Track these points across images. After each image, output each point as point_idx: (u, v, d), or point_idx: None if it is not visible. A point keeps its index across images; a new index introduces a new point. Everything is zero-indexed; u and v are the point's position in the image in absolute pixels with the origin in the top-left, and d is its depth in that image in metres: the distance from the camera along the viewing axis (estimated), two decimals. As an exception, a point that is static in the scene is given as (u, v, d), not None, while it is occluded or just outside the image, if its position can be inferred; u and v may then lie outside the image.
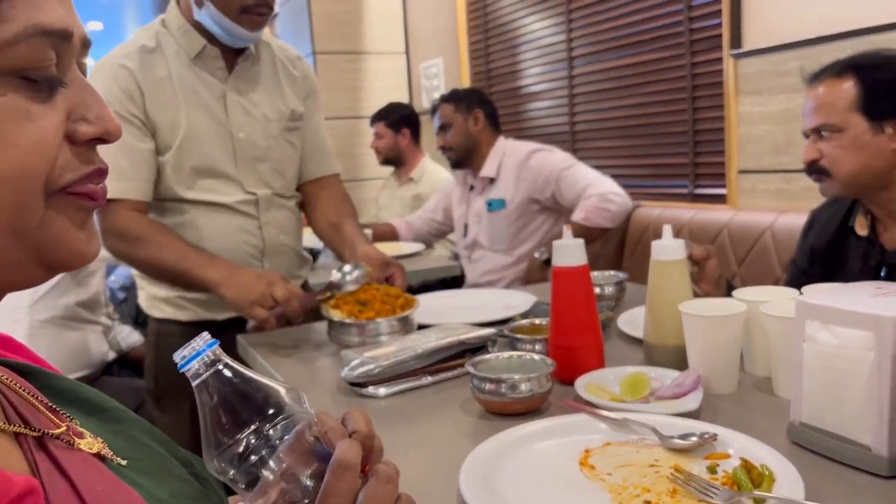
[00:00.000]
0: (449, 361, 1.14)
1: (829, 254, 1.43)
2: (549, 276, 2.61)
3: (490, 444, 0.82)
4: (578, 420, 0.87)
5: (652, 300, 1.07)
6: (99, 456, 0.49)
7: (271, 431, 0.51)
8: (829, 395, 0.76)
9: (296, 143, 1.60)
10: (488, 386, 0.95)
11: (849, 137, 1.30)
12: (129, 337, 2.24)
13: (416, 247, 2.84)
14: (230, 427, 0.51)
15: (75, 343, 2.00)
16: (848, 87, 1.30)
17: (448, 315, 1.47)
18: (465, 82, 4.00)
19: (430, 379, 1.11)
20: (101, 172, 0.48)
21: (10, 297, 0.49)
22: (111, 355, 2.12)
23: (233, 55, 1.49)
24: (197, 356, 0.52)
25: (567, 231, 1.07)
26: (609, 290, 1.53)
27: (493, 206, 2.65)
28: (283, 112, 1.55)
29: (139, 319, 2.91)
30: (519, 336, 1.15)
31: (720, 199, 2.48)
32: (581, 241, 1.05)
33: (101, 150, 0.49)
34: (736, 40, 2.29)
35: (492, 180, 2.68)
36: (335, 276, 1.37)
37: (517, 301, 1.57)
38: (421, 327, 1.32)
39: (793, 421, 0.81)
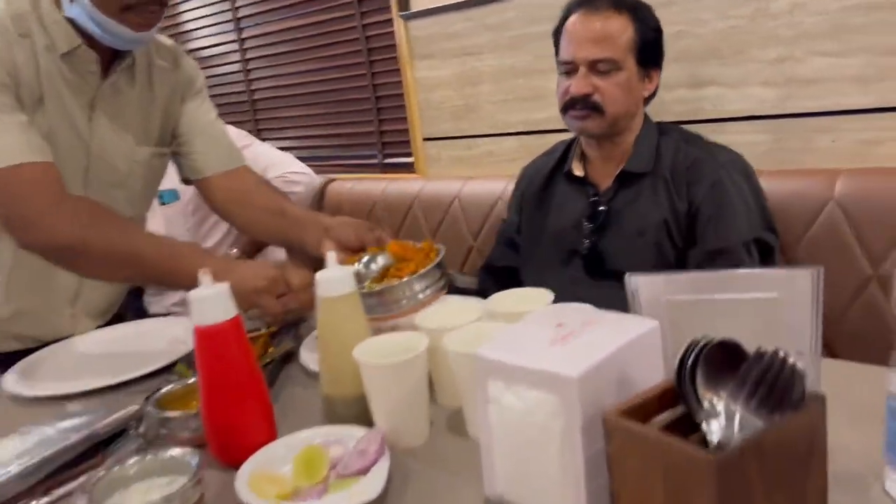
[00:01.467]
0: (77, 466, 0.85)
1: (541, 197, 1.48)
2: None
3: None
4: (235, 549, 0.66)
5: (324, 345, 0.88)
6: None
7: None
8: (523, 467, 0.64)
9: (159, 168, 1.39)
10: (109, 521, 0.69)
11: (624, 77, 1.32)
12: None
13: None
14: None
15: None
16: (626, 26, 1.32)
17: (91, 370, 1.15)
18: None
19: (44, 500, 0.81)
20: None
21: None
22: None
23: (110, 56, 1.21)
24: None
25: (205, 276, 0.82)
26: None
27: (164, 198, 2.27)
28: (153, 134, 1.33)
29: None
30: (167, 415, 0.89)
31: (409, 167, 2.40)
32: (225, 288, 0.82)
33: None
34: (404, 1, 2.18)
35: (158, 169, 2.29)
36: (357, 268, 1.13)
37: (186, 332, 1.29)
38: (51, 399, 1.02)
39: (489, 496, 0.68)
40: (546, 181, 1.50)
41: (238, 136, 2.30)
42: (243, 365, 0.83)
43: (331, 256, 0.87)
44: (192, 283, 1.02)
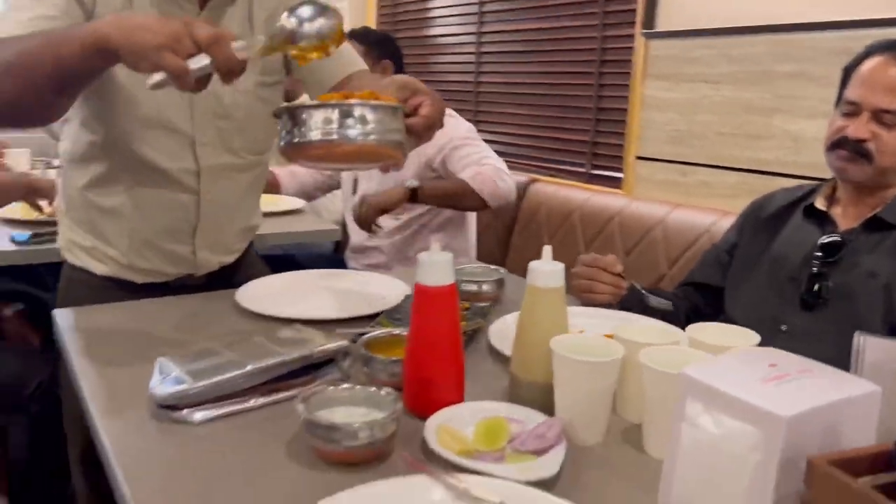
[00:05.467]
0: (289, 380, 0.97)
1: (770, 222, 1.46)
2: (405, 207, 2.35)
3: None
4: (415, 485, 0.73)
5: (523, 330, 0.94)
6: None
7: None
8: (705, 492, 0.65)
9: (270, 99, 1.32)
10: (319, 430, 0.79)
11: None
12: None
13: (297, 202, 2.60)
14: None
15: None
16: None
17: (305, 305, 1.30)
18: (371, 22, 3.73)
19: (260, 401, 0.94)
20: None
21: None
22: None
23: None
24: None
25: (435, 244, 0.91)
26: (486, 287, 1.40)
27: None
28: (257, 62, 1.21)
29: None
30: (372, 357, 1.00)
31: (616, 182, 2.40)
32: (450, 257, 0.90)
33: None
34: (649, 20, 2.18)
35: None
36: (286, 20, 0.93)
37: (388, 290, 1.41)
38: (272, 319, 1.17)
39: (660, 508, 0.70)
40: (780, 210, 1.48)
41: (468, 129, 2.40)
42: (450, 328, 0.90)
43: (546, 251, 0.92)
44: (82, 49, 0.93)
